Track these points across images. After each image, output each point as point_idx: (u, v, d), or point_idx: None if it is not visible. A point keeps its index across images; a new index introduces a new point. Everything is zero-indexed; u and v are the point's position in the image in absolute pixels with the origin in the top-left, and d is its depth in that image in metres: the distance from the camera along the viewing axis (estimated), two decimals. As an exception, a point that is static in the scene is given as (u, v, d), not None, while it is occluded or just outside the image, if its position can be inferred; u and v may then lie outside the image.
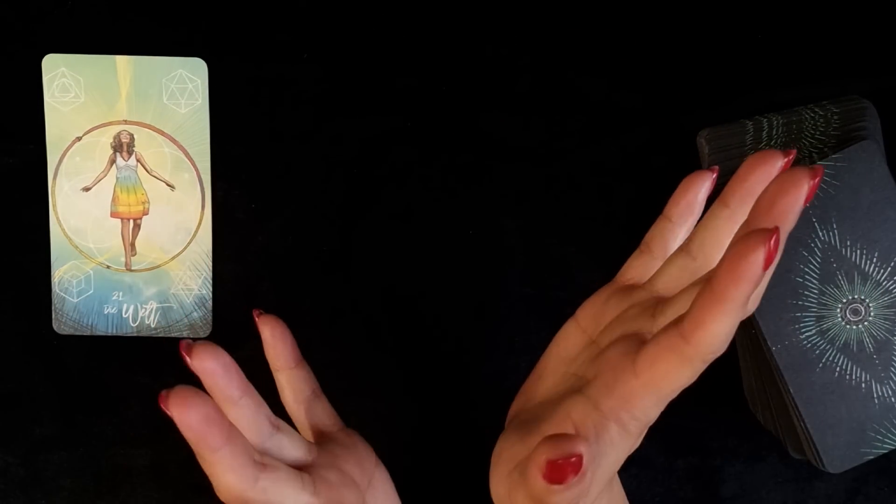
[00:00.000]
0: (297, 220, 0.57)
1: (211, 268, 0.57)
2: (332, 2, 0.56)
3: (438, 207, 0.57)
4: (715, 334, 0.34)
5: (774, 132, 0.43)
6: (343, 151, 0.56)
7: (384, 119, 0.56)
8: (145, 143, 0.56)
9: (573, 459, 0.36)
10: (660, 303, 0.41)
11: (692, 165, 0.57)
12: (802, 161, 0.49)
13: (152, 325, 0.57)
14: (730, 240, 0.41)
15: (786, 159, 0.40)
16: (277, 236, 0.57)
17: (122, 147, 0.56)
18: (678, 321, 0.36)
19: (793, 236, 0.50)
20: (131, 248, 0.56)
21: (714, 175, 0.45)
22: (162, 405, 0.40)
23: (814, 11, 0.56)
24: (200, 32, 0.56)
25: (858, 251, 0.51)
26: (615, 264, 0.56)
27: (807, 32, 0.56)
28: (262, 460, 0.42)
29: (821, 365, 0.51)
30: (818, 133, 0.45)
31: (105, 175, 0.56)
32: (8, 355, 0.57)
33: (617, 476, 0.47)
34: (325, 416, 0.49)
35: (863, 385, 0.51)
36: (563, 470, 0.36)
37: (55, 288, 0.56)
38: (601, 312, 0.46)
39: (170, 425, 0.58)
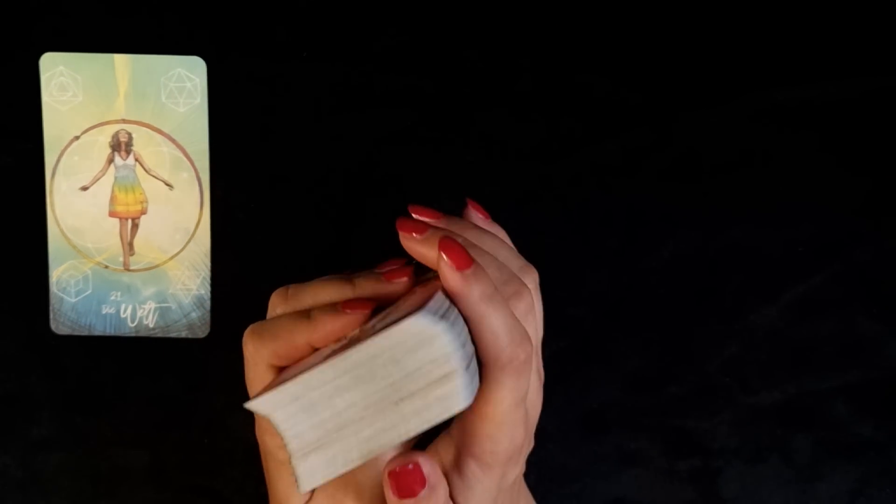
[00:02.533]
0: (296, 220, 0.56)
1: (210, 268, 0.56)
2: (332, 0, 0.56)
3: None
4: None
5: (331, 379, 0.40)
6: (343, 151, 0.56)
7: (384, 118, 0.56)
8: (144, 143, 0.55)
9: (410, 467, 0.40)
10: None
11: (692, 165, 0.57)
12: None
13: (150, 326, 0.56)
14: None
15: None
16: (277, 236, 0.56)
17: (121, 146, 0.55)
18: None
19: None
20: (129, 247, 0.56)
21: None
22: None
23: (814, 11, 0.56)
24: (199, 31, 0.55)
25: None
26: (615, 264, 0.56)
27: (807, 32, 0.56)
28: None
29: None
30: (384, 360, 0.41)
31: (103, 174, 0.56)
32: (5, 355, 0.57)
33: (528, 494, 0.49)
34: None
35: None
36: (406, 481, 0.40)
37: (53, 288, 0.56)
38: None
39: (169, 426, 0.58)
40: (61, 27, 0.55)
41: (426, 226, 0.44)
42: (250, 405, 0.41)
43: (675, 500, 0.58)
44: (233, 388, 0.56)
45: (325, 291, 0.44)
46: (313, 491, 0.45)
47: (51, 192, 0.56)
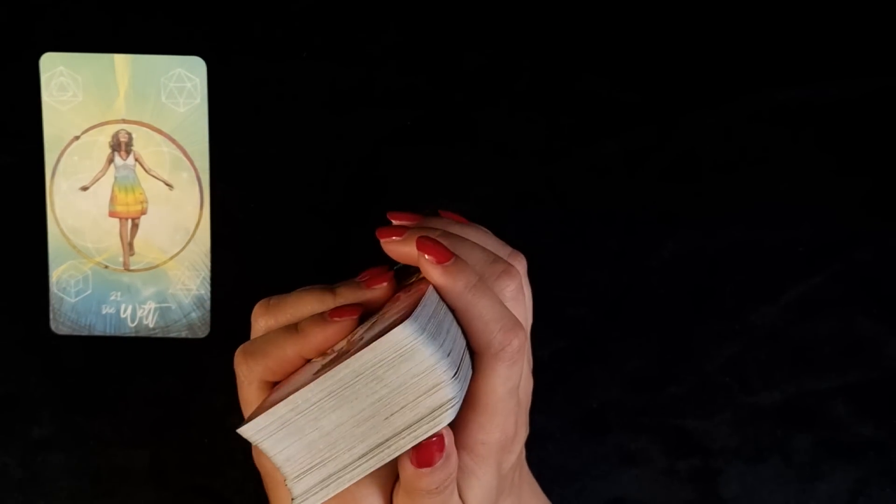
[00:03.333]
0: (296, 220, 0.56)
1: (210, 268, 0.56)
2: (331, 0, 0.56)
3: (438, 207, 0.56)
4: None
5: (317, 400, 0.40)
6: (343, 151, 0.56)
7: (384, 118, 0.56)
8: (144, 143, 0.55)
9: (434, 439, 0.39)
10: None
11: (692, 165, 0.57)
12: None
13: (150, 326, 0.56)
14: None
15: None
16: (277, 236, 0.56)
17: (121, 146, 0.55)
18: None
19: None
20: (129, 247, 0.56)
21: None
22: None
23: (814, 11, 0.56)
24: (199, 31, 0.55)
25: None
26: (615, 265, 0.56)
27: (807, 32, 0.56)
28: None
29: None
30: (369, 380, 0.40)
31: (103, 174, 0.56)
32: (5, 355, 0.57)
33: (535, 484, 0.49)
34: None
35: None
36: (428, 450, 0.39)
37: (53, 288, 0.56)
38: None
39: (169, 426, 0.58)
40: (61, 27, 0.55)
41: (405, 228, 0.44)
42: (241, 431, 0.40)
43: (675, 500, 0.58)
44: (233, 388, 0.56)
45: (306, 302, 0.45)
46: None
47: (51, 192, 0.56)
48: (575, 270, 0.57)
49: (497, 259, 0.44)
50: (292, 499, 0.40)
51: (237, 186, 0.56)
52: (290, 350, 0.42)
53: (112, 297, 0.56)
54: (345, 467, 0.40)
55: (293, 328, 0.43)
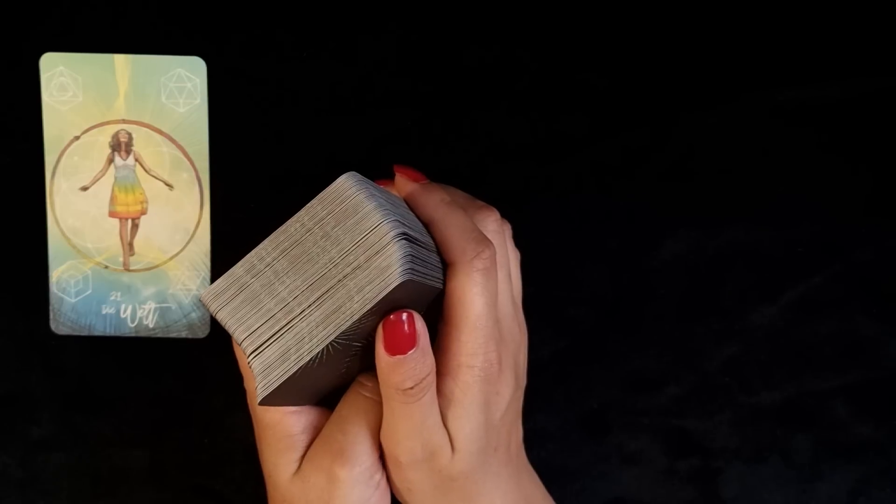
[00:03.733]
0: (296, 220, 0.56)
1: (210, 268, 0.56)
2: (332, 0, 0.56)
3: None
4: None
5: (273, 261, 0.40)
6: (343, 151, 0.56)
7: (384, 118, 0.56)
8: (144, 143, 0.55)
9: (404, 317, 0.40)
10: None
11: (692, 165, 0.57)
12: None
13: (150, 326, 0.56)
14: None
15: None
16: (277, 236, 0.56)
17: (121, 146, 0.55)
18: None
19: None
20: (129, 247, 0.56)
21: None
22: None
23: (814, 11, 0.56)
24: (199, 31, 0.55)
25: None
26: (615, 265, 0.56)
27: (807, 32, 0.56)
28: None
29: None
30: (318, 238, 0.40)
31: (103, 174, 0.56)
32: (5, 355, 0.57)
33: (535, 475, 0.50)
34: None
35: None
36: (396, 329, 0.40)
37: (53, 288, 0.56)
38: None
39: (169, 426, 0.58)
40: (61, 27, 0.55)
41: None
42: (202, 296, 0.40)
43: (674, 499, 0.58)
44: (233, 388, 0.56)
45: None
46: (301, 460, 0.45)
47: (51, 192, 0.56)
48: (575, 270, 0.57)
49: (474, 202, 0.46)
50: (255, 380, 0.40)
51: (237, 186, 0.56)
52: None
53: (112, 297, 0.56)
54: (302, 339, 0.39)
55: None
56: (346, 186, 0.39)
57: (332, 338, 0.39)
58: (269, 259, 0.40)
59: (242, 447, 0.57)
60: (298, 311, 0.39)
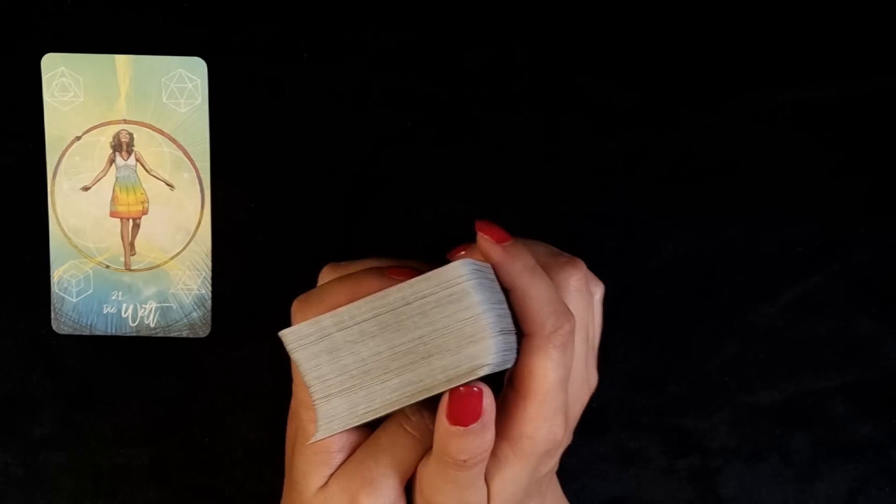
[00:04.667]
0: (297, 220, 0.57)
1: (210, 267, 0.56)
2: (331, 0, 0.56)
3: (438, 208, 0.57)
4: None
5: (362, 320, 0.40)
6: (343, 151, 0.56)
7: (384, 118, 0.56)
8: (145, 143, 0.55)
9: (476, 389, 0.39)
10: None
11: (692, 165, 0.57)
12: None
13: (151, 325, 0.56)
14: None
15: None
16: (277, 236, 0.57)
17: (122, 146, 0.56)
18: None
19: None
20: (131, 247, 0.56)
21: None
22: None
23: (814, 11, 0.56)
24: (200, 31, 0.55)
25: None
26: (615, 265, 0.56)
27: (807, 32, 0.56)
28: None
29: None
30: (414, 313, 0.40)
31: (104, 174, 0.56)
32: (7, 355, 0.57)
33: (559, 490, 0.50)
34: None
35: None
36: (463, 403, 0.39)
37: (54, 287, 0.56)
38: None
39: (170, 425, 0.58)
40: (62, 28, 0.55)
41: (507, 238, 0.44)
42: (282, 334, 0.41)
43: (674, 499, 0.58)
44: (233, 387, 0.57)
45: (369, 262, 0.46)
46: (330, 477, 0.45)
47: (52, 192, 0.56)
48: (575, 270, 0.57)
49: (561, 253, 0.45)
50: (316, 421, 0.40)
51: (238, 186, 0.56)
52: (344, 298, 0.42)
53: (113, 297, 0.56)
54: (373, 398, 0.40)
55: (349, 277, 0.43)
56: (458, 275, 0.39)
57: (403, 404, 0.40)
58: (359, 318, 0.40)
59: (243, 446, 0.57)
60: (376, 373, 0.40)
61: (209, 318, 0.57)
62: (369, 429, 0.46)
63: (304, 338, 0.40)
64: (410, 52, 0.56)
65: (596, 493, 0.57)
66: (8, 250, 0.56)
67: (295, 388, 0.46)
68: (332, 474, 0.45)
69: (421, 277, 0.39)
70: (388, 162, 0.56)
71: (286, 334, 0.41)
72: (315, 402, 0.40)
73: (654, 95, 0.56)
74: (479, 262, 0.41)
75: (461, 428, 0.39)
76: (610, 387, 0.57)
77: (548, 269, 0.44)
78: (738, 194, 0.57)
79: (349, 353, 0.40)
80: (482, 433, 0.40)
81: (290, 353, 0.41)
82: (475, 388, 0.39)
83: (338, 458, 0.45)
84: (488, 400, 0.40)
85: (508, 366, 0.42)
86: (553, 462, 0.44)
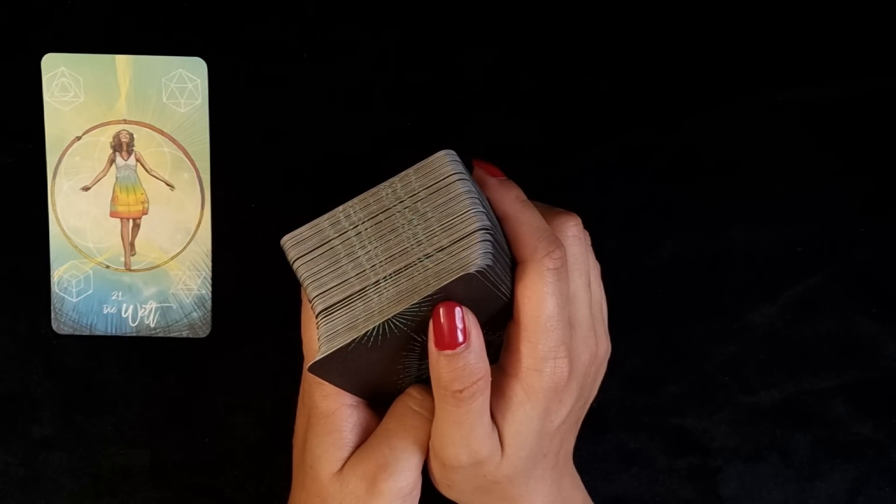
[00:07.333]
0: (297, 220, 0.56)
1: (210, 268, 0.56)
2: (331, 0, 0.56)
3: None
4: None
5: (358, 222, 0.41)
6: (343, 151, 0.56)
7: (384, 119, 0.56)
8: (145, 143, 0.55)
9: (457, 308, 0.40)
10: None
11: (692, 165, 0.57)
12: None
13: (151, 325, 0.57)
14: None
15: None
16: (277, 236, 0.56)
17: (122, 147, 0.56)
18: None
19: None
20: (131, 247, 0.56)
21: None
22: None
23: (814, 11, 0.56)
24: (200, 32, 0.56)
25: None
26: (615, 264, 0.56)
27: (807, 32, 0.56)
28: None
29: None
30: (406, 210, 0.41)
31: (104, 175, 0.56)
32: (7, 355, 0.57)
33: (577, 477, 0.50)
34: None
35: None
36: (448, 324, 0.40)
37: (54, 287, 0.56)
38: None
39: (170, 425, 0.58)
40: (63, 28, 0.55)
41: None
42: (283, 240, 0.42)
43: (674, 498, 0.58)
44: (233, 387, 0.57)
45: None
46: (345, 462, 0.45)
47: (52, 192, 0.56)
48: (575, 270, 0.57)
49: (556, 208, 0.46)
50: (318, 339, 0.41)
51: (238, 186, 0.56)
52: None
53: (113, 297, 0.56)
54: (371, 312, 0.40)
55: None
56: (443, 163, 0.40)
57: (398, 311, 0.40)
58: (354, 218, 0.41)
59: (243, 446, 0.57)
60: (374, 280, 0.40)
61: (209, 318, 0.57)
62: (378, 417, 0.46)
63: (302, 242, 0.41)
64: (410, 52, 0.56)
65: (596, 492, 0.57)
66: (8, 250, 0.56)
67: (305, 374, 0.46)
68: (346, 459, 0.45)
69: (410, 170, 0.40)
70: (388, 162, 0.56)
71: (286, 241, 0.42)
72: (318, 320, 0.41)
73: (655, 95, 0.56)
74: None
75: (449, 351, 0.40)
76: (610, 387, 0.57)
77: (546, 218, 0.45)
78: (738, 194, 0.57)
79: (347, 259, 0.41)
80: (468, 355, 0.40)
81: (291, 265, 0.41)
82: (455, 308, 0.40)
83: (350, 438, 0.45)
84: (470, 318, 0.40)
85: (498, 289, 0.42)
86: (564, 411, 0.44)
